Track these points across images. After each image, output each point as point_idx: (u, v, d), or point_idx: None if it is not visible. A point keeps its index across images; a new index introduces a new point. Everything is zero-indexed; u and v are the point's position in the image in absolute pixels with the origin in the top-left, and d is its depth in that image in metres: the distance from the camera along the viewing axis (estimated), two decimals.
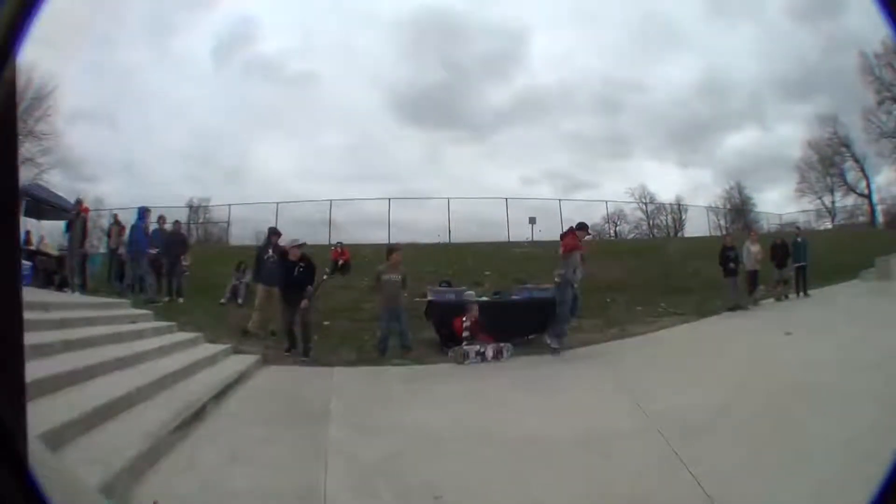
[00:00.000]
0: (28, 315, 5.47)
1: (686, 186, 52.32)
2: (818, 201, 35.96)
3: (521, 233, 26.45)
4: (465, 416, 7.19)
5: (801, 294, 16.70)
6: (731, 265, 15.40)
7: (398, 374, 10.16)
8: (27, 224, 17.48)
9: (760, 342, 10.56)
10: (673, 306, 15.33)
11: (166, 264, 15.31)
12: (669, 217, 36.09)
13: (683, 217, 34.97)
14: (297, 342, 11.33)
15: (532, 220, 26.44)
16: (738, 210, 35.27)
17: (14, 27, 1.32)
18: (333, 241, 21.26)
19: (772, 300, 16.36)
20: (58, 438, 4.39)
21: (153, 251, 15.21)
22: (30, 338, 5.64)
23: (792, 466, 4.62)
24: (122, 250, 16.02)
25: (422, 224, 29.24)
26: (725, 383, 7.67)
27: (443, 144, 47.88)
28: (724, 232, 28.32)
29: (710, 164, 47.39)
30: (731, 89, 42.78)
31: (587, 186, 49.98)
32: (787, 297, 16.58)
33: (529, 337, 12.35)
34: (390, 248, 12.43)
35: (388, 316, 11.51)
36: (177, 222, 17.05)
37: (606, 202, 31.99)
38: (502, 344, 11.31)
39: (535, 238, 25.67)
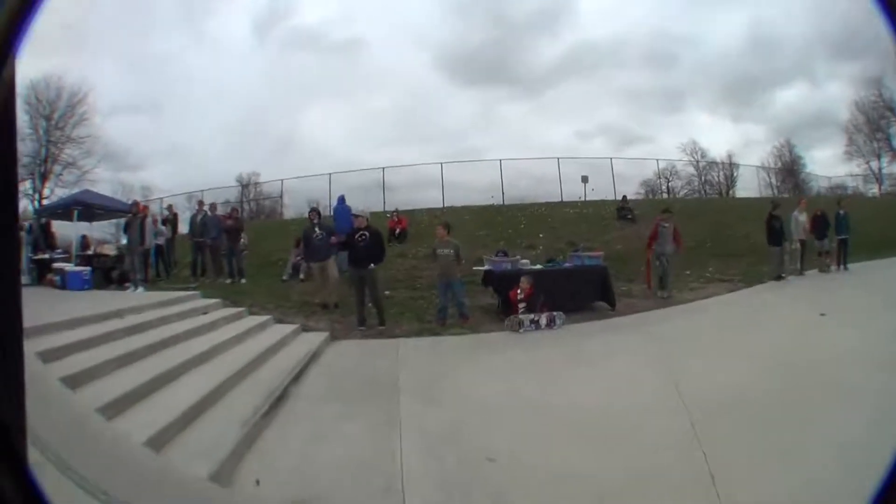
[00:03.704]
0: (106, 326, 6.70)
1: (738, 143, 50.82)
2: (866, 166, 34.75)
3: (574, 190, 26.55)
4: (517, 386, 8.06)
5: (842, 267, 16.79)
6: (776, 234, 15.66)
7: (457, 343, 11.16)
8: (81, 228, 19.10)
9: (795, 321, 10.97)
10: (721, 272, 15.94)
11: (226, 248, 16.54)
12: (721, 174, 35.51)
13: (735, 174, 34.37)
14: (364, 316, 12.30)
15: (584, 179, 26.39)
16: (789, 170, 34.40)
17: (14, 27, 1.40)
18: (389, 209, 22.08)
19: (815, 271, 16.54)
20: (160, 441, 5.40)
21: (209, 239, 16.64)
22: (115, 348, 6.85)
23: (791, 460, 5.18)
24: (160, 240, 17.47)
25: (475, 184, 29.51)
26: (754, 366, 8.14)
27: (495, 102, 47.28)
28: (775, 192, 28.07)
29: (762, 120, 45.78)
30: (780, 44, 41.12)
31: (641, 141, 48.80)
32: (829, 269, 16.74)
33: (583, 303, 13.27)
34: (442, 224, 13.25)
35: (443, 288, 12.54)
36: (234, 209, 18.50)
37: (657, 160, 31.55)
38: (555, 313, 12.08)
39: (588, 197, 26.02)
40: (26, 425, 1.52)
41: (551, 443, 6.06)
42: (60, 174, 31.50)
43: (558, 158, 27.02)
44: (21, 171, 28.77)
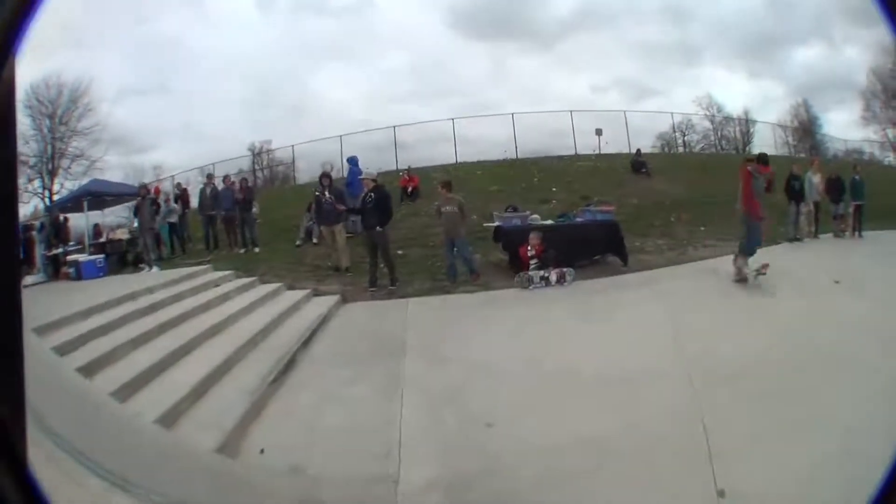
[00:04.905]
0: (120, 310, 7.13)
1: (755, 98, 48.71)
2: (882, 133, 33.51)
3: (588, 143, 26.17)
4: (521, 346, 8.32)
5: (857, 234, 16.26)
6: (795, 193, 15.29)
7: (466, 302, 11.36)
8: (95, 218, 19.28)
9: (809, 287, 10.54)
10: (737, 229, 15.48)
11: (238, 218, 16.72)
12: (737, 130, 34.50)
13: (751, 131, 33.43)
14: (377, 277, 12.47)
15: (598, 132, 25.65)
16: (805, 129, 33.35)
17: (14, 27, 1.42)
18: (401, 167, 22.13)
19: (830, 235, 16.12)
20: (171, 417, 5.77)
21: (222, 211, 16.87)
22: (128, 331, 7.21)
23: (791, 439, 5.19)
24: (173, 218, 17.75)
25: (489, 139, 28.97)
26: (763, 333, 8.10)
27: (507, 56, 46.36)
28: (791, 152, 27.49)
29: (779, 77, 43.96)
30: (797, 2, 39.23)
31: (656, 94, 47.03)
32: (843, 234, 16.29)
33: (594, 258, 13.33)
34: (443, 183, 13.40)
35: (450, 246, 12.65)
36: (243, 179, 18.71)
37: (672, 113, 30.61)
38: (565, 269, 12.13)
39: (602, 150, 25.09)
40: (26, 425, 1.53)
41: (551, 406, 6.27)
42: (68, 168, 31.77)
43: (571, 111, 26.41)
44: (29, 172, 29.38)
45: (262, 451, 5.53)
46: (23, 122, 28.80)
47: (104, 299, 9.10)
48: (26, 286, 14.16)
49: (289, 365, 7.90)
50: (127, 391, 6.04)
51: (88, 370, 6.32)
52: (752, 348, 7.42)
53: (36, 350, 6.58)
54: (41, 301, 11.03)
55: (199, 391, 6.48)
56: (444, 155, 25.10)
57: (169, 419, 5.69)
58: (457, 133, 25.59)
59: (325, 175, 14.72)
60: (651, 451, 5.25)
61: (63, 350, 6.61)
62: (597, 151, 24.94)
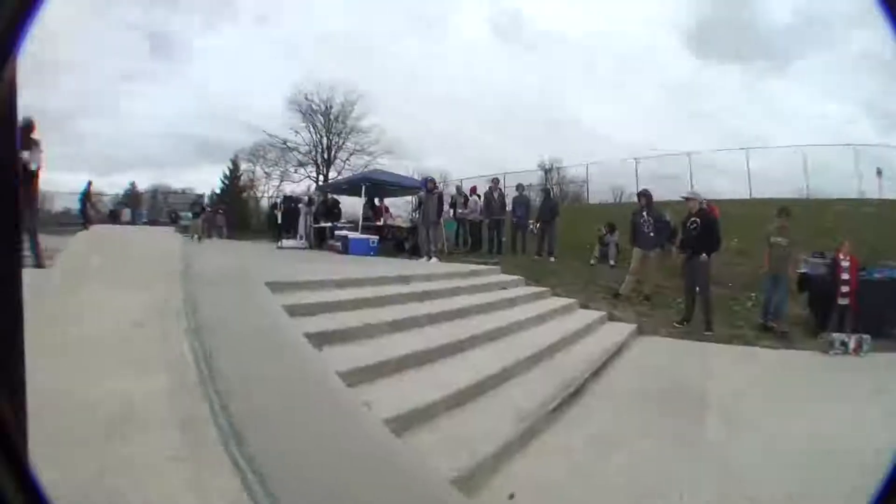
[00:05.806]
0: (389, 289, 5.99)
1: None
2: None
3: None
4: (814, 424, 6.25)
5: None
6: None
7: (767, 358, 9.79)
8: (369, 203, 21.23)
9: None
10: None
11: (540, 226, 16.90)
12: None
13: None
14: (692, 313, 11.16)
15: (879, 172, 23.18)
16: None
17: (14, 27, 1.38)
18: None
19: None
20: (406, 421, 4.52)
21: (515, 217, 17.51)
22: (391, 312, 6.17)
23: None
24: (471, 215, 18.81)
25: (770, 173, 27.16)
26: None
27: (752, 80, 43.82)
28: None
29: None
30: None
31: None
32: None
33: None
34: (780, 210, 11.84)
35: (772, 282, 11.17)
36: (547, 190, 19.18)
37: None
38: (863, 336, 10.17)
39: (883, 195, 22.30)
40: (27, 425, 1.47)
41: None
42: (346, 160, 39.62)
43: (853, 145, 24.51)
44: (301, 157, 39.41)
45: (511, 496, 4.15)
46: (293, 118, 39.10)
47: (365, 275, 8.63)
48: (282, 248, 17.04)
49: (576, 394, 6.55)
50: (361, 375, 5.04)
51: (320, 339, 5.55)
52: None
53: (266, 306, 6.22)
54: (298, 262, 11.64)
55: (456, 400, 5.21)
56: (726, 190, 25.38)
57: (402, 423, 4.45)
58: (723, 165, 27.74)
59: (643, 195, 13.64)
60: None
61: (293, 311, 6.07)
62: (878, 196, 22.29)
